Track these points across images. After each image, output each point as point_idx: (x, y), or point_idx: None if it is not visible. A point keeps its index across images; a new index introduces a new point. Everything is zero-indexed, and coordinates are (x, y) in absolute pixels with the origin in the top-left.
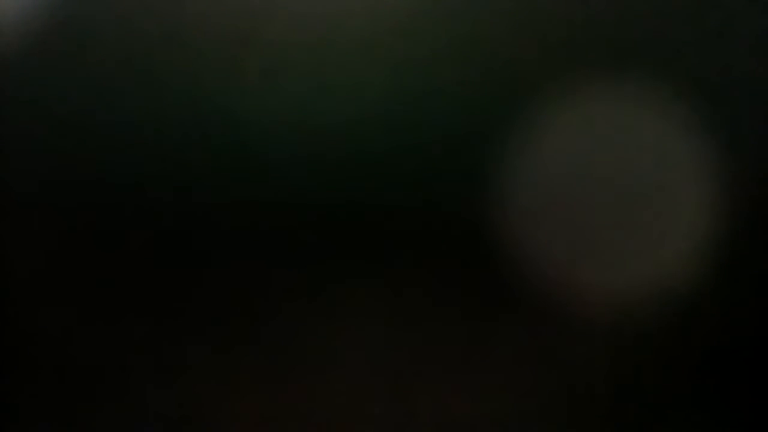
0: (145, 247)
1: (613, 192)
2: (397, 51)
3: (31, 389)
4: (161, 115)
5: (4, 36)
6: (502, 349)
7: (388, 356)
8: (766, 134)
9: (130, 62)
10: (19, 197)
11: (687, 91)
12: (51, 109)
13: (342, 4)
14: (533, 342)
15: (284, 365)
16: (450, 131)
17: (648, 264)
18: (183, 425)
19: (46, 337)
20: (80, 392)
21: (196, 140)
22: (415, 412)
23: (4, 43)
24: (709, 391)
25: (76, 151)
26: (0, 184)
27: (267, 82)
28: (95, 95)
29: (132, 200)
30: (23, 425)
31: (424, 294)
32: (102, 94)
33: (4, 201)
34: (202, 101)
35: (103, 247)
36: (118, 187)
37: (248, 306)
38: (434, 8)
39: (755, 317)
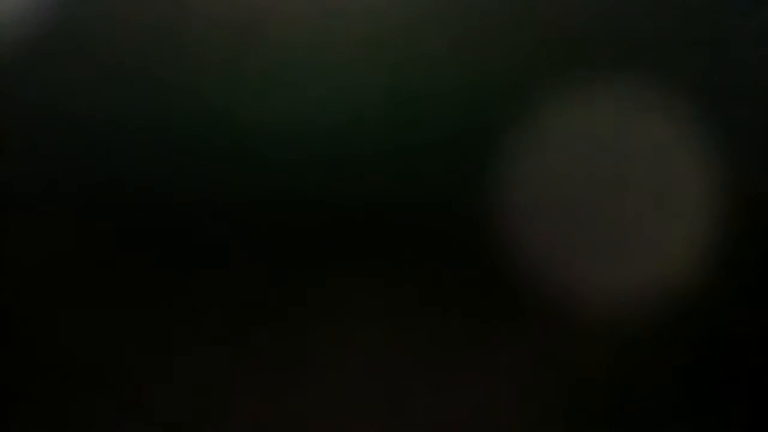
0: (145, 246)
1: (613, 192)
2: (397, 51)
3: (31, 389)
4: (161, 114)
5: (4, 36)
6: (502, 349)
7: (388, 356)
8: (766, 135)
9: (130, 62)
10: (19, 197)
11: (687, 92)
12: (51, 109)
13: (343, 4)
14: (533, 342)
15: (284, 364)
16: (451, 131)
17: (648, 264)
18: (183, 425)
19: (46, 337)
20: (80, 392)
21: (197, 140)
22: (415, 412)
23: (4, 43)
24: (709, 391)
25: (75, 151)
26: (0, 184)
27: (267, 82)
28: (95, 95)
29: (132, 200)
30: (23, 425)
31: (424, 294)
32: (102, 94)
33: (4, 201)
34: (202, 101)
35: (103, 247)
36: (118, 186)
37: (248, 305)
38: (435, 8)
39: (755, 317)
